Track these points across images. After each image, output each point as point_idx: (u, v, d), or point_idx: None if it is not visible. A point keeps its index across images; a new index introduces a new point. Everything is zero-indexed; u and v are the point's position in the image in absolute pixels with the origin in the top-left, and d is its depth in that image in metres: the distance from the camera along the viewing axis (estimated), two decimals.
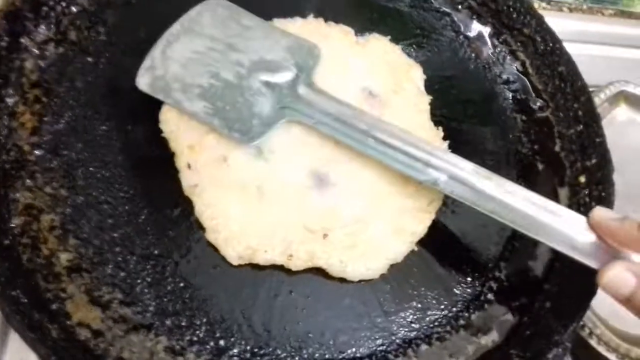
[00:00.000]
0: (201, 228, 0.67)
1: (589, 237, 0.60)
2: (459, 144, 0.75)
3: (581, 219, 0.62)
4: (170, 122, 0.71)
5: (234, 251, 0.66)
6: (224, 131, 0.69)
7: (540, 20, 0.86)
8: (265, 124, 0.70)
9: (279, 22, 0.78)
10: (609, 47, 1.07)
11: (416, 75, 0.79)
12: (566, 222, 0.62)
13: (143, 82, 0.70)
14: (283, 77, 0.71)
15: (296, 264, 0.66)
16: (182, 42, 0.72)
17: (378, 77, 0.77)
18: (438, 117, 0.78)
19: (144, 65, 0.71)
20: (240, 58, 0.72)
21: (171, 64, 0.71)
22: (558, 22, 0.88)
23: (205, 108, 0.69)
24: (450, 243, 0.72)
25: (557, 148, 0.80)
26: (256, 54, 0.73)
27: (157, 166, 0.70)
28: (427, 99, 0.78)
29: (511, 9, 0.87)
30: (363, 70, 0.77)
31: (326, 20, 0.80)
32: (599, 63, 1.01)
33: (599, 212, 0.60)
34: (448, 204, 0.73)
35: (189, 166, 0.69)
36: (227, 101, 0.70)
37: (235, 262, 0.66)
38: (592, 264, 0.59)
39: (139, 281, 0.63)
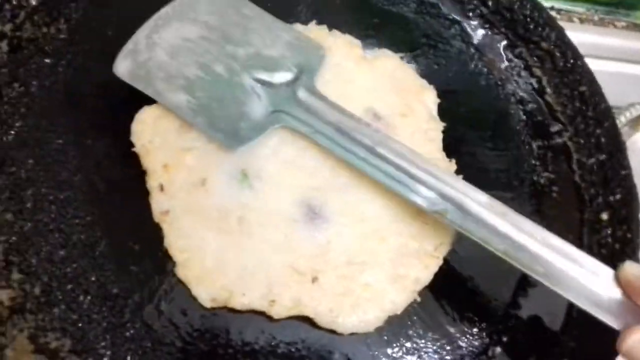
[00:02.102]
0: (171, 262, 0.59)
1: (614, 293, 0.53)
2: (466, 172, 0.67)
3: (607, 271, 0.55)
4: (144, 135, 0.63)
5: (207, 292, 0.58)
6: (207, 131, 0.62)
7: (560, 33, 0.77)
8: (255, 128, 0.63)
9: None
10: (626, 64, 1.00)
11: (429, 98, 0.71)
12: (589, 273, 0.55)
13: (122, 67, 0.63)
14: (281, 77, 0.65)
15: (279, 312, 0.58)
16: (173, 27, 0.65)
17: (385, 97, 0.69)
18: (444, 137, 0.70)
19: (125, 49, 0.64)
20: (236, 51, 0.65)
21: (157, 51, 0.64)
22: (569, 35, 0.80)
23: (188, 103, 0.63)
24: (456, 289, 0.64)
25: (576, 179, 0.71)
26: (253, 47, 0.66)
27: (121, 189, 0.62)
28: (440, 125, 0.70)
29: (528, 19, 0.78)
30: (369, 88, 0.69)
31: (328, 27, 0.72)
32: (617, 81, 0.94)
33: (630, 268, 0.53)
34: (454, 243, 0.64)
35: (161, 188, 0.61)
36: (214, 97, 0.63)
37: (207, 305, 0.58)
38: (613, 324, 0.53)
39: (92, 326, 0.56)
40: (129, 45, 0.64)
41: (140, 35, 0.64)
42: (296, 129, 0.63)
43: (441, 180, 0.60)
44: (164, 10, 0.66)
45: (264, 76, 0.64)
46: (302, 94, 0.64)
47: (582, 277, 0.55)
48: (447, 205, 0.59)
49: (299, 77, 0.65)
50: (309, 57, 0.67)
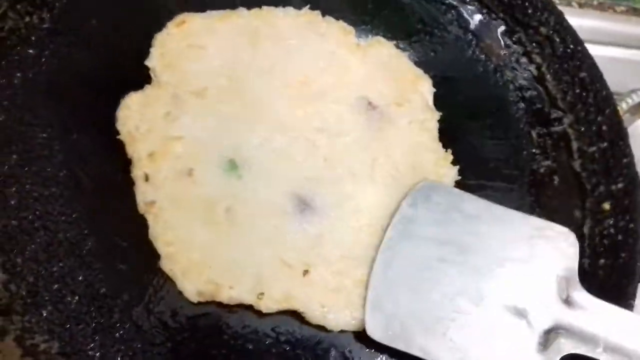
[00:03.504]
0: (156, 256, 0.57)
1: None
2: (465, 163, 0.66)
3: None
4: (129, 121, 0.61)
5: (193, 285, 0.56)
6: None
7: (559, 18, 0.75)
8: None
9: (268, 11, 0.68)
10: (626, 50, 0.97)
11: (424, 87, 0.69)
12: None
13: (374, 327, 0.55)
14: (540, 287, 0.55)
15: (268, 305, 0.56)
16: (404, 254, 0.57)
17: (380, 86, 0.67)
18: (441, 126, 0.68)
19: (370, 302, 0.56)
20: (477, 267, 0.55)
21: (400, 292, 0.56)
22: (568, 20, 0.77)
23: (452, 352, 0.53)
24: None
25: (577, 168, 0.69)
26: (496, 256, 0.56)
27: (107, 184, 0.60)
28: (436, 115, 0.68)
29: (526, 3, 0.76)
30: (363, 77, 0.67)
31: (322, 12, 0.70)
32: (617, 67, 0.91)
33: None
34: None
35: (146, 178, 0.59)
36: (475, 340, 0.53)
37: (194, 299, 0.56)
38: None
39: (81, 327, 0.54)
40: (370, 295, 0.56)
41: (375, 277, 0.56)
42: (584, 353, 0.53)
43: None
44: (388, 234, 0.58)
45: (518, 302, 0.54)
46: (570, 300, 0.54)
47: None
48: None
49: (563, 283, 0.55)
50: (564, 250, 0.56)
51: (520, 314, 0.54)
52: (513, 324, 0.54)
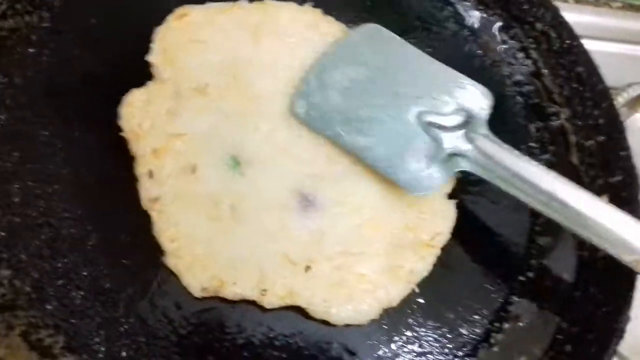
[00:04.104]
0: (160, 252, 0.57)
1: None
2: None
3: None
4: (133, 118, 0.61)
5: (197, 280, 0.57)
6: (390, 175, 0.61)
7: (555, 13, 0.75)
8: (435, 175, 0.61)
9: (269, 4, 0.68)
10: (622, 44, 0.98)
11: None
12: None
13: (299, 107, 0.63)
14: (451, 120, 0.63)
15: (271, 301, 0.57)
16: (339, 69, 0.65)
17: None
18: None
19: (300, 90, 0.64)
20: (405, 92, 0.64)
21: (329, 92, 0.64)
22: (565, 16, 0.78)
23: (366, 146, 0.62)
24: (456, 277, 0.62)
25: (575, 161, 0.70)
26: (420, 89, 0.65)
27: (110, 179, 0.60)
28: None
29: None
30: None
31: (322, 9, 0.70)
32: (613, 62, 0.92)
33: None
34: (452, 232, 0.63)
35: (150, 174, 0.59)
36: (392, 143, 0.62)
37: (198, 294, 0.57)
38: None
39: (86, 321, 0.54)
40: (302, 87, 0.64)
41: (310, 75, 0.64)
42: (475, 173, 0.61)
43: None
44: (329, 51, 0.66)
45: (435, 119, 0.63)
46: (474, 136, 0.62)
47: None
48: None
49: (469, 122, 0.63)
50: (476, 101, 0.65)
51: (432, 133, 0.62)
52: (423, 139, 0.62)
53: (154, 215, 0.58)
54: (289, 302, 0.57)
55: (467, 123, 0.63)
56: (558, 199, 0.57)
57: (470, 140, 0.61)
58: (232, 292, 0.56)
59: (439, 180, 0.61)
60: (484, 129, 0.63)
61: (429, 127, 0.62)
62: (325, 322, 0.57)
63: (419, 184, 0.60)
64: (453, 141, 0.62)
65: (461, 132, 0.62)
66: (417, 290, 0.60)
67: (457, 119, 0.63)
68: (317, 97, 0.63)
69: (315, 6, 0.70)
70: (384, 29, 0.68)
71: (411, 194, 0.61)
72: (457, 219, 0.63)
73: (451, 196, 0.64)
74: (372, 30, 0.68)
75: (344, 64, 0.65)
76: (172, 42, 0.63)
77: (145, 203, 0.59)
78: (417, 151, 0.61)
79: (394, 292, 0.59)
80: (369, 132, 0.62)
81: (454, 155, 0.61)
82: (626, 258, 0.55)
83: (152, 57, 0.63)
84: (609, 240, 0.56)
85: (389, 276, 0.59)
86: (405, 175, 0.60)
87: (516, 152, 0.61)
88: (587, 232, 0.57)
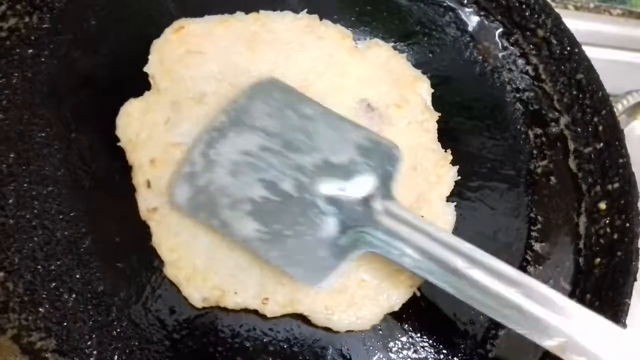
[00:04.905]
0: (158, 258, 0.57)
1: None
2: (464, 163, 0.66)
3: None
4: (130, 129, 0.60)
5: (198, 291, 0.56)
6: (284, 267, 0.55)
7: (556, 20, 0.75)
8: (335, 255, 0.55)
9: (266, 15, 0.67)
10: (622, 52, 0.98)
11: (423, 88, 0.68)
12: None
13: (180, 195, 0.56)
14: (355, 189, 0.57)
15: (272, 310, 0.56)
16: (229, 139, 0.58)
17: (379, 88, 0.67)
18: (440, 127, 0.68)
19: (182, 172, 0.57)
20: (302, 160, 0.57)
21: (216, 170, 0.57)
22: (566, 23, 0.78)
23: (258, 232, 0.55)
24: None
25: (573, 168, 0.70)
26: (320, 154, 0.58)
27: (106, 183, 0.60)
28: (435, 116, 0.67)
29: (524, 6, 0.76)
30: (362, 79, 0.66)
31: (320, 15, 0.69)
32: (613, 69, 0.92)
33: None
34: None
35: (148, 184, 0.59)
36: (285, 222, 0.55)
37: (199, 305, 0.56)
38: None
39: (78, 325, 0.54)
40: (185, 168, 0.57)
41: (195, 153, 0.57)
42: (381, 254, 0.55)
43: (554, 309, 0.51)
44: (218, 119, 0.59)
45: (335, 190, 0.57)
46: (380, 210, 0.56)
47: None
48: (560, 339, 0.51)
49: (375, 189, 0.57)
50: (383, 160, 0.59)
51: (329, 211, 0.56)
52: (320, 216, 0.56)
53: (152, 225, 0.58)
54: (290, 310, 0.56)
55: (371, 196, 0.57)
56: (469, 277, 0.53)
57: (371, 210, 0.56)
58: (233, 301, 0.56)
59: (336, 260, 0.55)
60: (388, 195, 0.57)
61: (329, 205, 0.56)
62: (324, 328, 0.57)
63: (318, 277, 0.55)
64: (355, 214, 0.56)
65: (362, 207, 0.56)
66: (418, 294, 0.59)
67: (361, 189, 0.57)
68: (202, 178, 0.56)
69: (312, 13, 0.69)
70: (280, 82, 0.62)
71: (311, 285, 0.56)
72: (454, 225, 0.63)
73: (448, 201, 0.64)
74: (267, 87, 0.61)
75: (234, 134, 0.58)
76: (169, 53, 0.63)
77: (143, 213, 0.58)
78: (316, 238, 0.55)
79: (395, 297, 0.58)
80: (261, 217, 0.55)
81: (357, 231, 0.56)
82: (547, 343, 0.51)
83: (150, 69, 0.62)
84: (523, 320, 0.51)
85: (389, 282, 0.58)
86: (302, 269, 0.55)
87: (423, 222, 0.56)
88: (500, 314, 0.52)
